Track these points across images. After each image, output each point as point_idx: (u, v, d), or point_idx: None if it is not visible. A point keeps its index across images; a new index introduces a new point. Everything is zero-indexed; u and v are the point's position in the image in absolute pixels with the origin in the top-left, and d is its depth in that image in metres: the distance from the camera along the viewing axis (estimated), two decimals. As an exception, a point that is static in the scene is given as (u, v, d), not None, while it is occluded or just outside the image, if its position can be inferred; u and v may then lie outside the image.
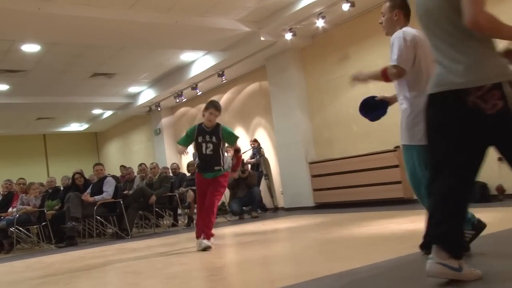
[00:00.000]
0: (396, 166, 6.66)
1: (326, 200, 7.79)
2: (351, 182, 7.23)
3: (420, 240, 2.68)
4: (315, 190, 8.01)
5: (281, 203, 9.05)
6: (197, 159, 4.16)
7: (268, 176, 9.11)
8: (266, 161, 9.26)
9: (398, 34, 2.57)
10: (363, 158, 7.07)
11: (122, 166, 10.79)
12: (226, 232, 6.22)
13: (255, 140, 9.23)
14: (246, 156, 9.38)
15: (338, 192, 7.50)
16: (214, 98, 11.23)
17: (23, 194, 7.27)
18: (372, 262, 2.66)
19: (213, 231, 6.87)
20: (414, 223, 4.24)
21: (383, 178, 6.78)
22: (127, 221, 7.09)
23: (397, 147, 6.80)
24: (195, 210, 8.48)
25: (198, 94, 10.71)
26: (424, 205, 2.51)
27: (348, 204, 7.34)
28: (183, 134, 4.35)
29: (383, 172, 6.75)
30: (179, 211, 8.71)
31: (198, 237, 4.35)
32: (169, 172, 9.39)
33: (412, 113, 2.66)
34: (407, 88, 2.66)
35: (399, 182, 6.63)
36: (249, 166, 9.04)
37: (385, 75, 2.55)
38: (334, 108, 7.85)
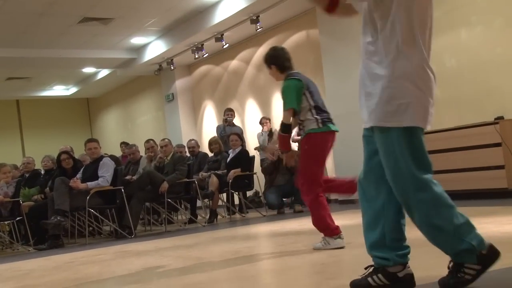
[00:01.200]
0: (498, 144, 6.50)
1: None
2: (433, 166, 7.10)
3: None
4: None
5: (333, 193, 9.02)
6: (317, 112, 4.17)
7: (318, 158, 9.07)
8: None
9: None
10: (450, 133, 6.96)
11: (124, 143, 11.01)
12: (261, 231, 6.26)
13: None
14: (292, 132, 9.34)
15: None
16: (246, 52, 11.23)
17: (-9, 179, 7.46)
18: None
19: (242, 229, 6.92)
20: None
21: (478, 161, 6.66)
22: (130, 215, 7.23)
23: (499, 118, 6.62)
24: (220, 202, 8.64)
25: (224, 47, 10.70)
26: (412, 218, 2.38)
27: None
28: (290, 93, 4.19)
29: (479, 153, 6.62)
30: (199, 203, 8.83)
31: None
32: (186, 152, 9.51)
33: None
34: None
35: (501, 167, 6.48)
36: (295, 144, 9.01)
37: None
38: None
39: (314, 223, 4.29)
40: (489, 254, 2.36)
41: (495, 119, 6.62)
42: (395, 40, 2.29)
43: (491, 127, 6.55)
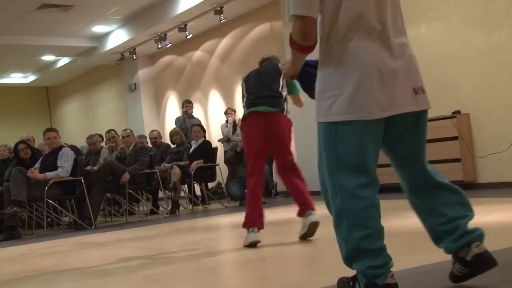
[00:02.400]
0: (455, 138, 6.67)
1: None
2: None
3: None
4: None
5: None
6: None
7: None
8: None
9: None
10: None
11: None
12: (223, 223, 6.30)
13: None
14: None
15: (381, 171, 7.54)
16: (209, 43, 11.21)
17: None
18: (415, 265, 2.69)
19: (204, 220, 6.95)
20: (478, 215, 4.25)
21: (436, 154, 6.79)
22: (90, 206, 7.19)
23: (456, 112, 6.80)
24: (182, 193, 8.64)
25: (187, 37, 10.66)
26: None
27: (388, 188, 7.37)
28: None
29: (437, 147, 6.76)
30: (161, 194, 8.82)
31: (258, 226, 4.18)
32: (148, 143, 9.46)
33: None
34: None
35: (457, 160, 6.67)
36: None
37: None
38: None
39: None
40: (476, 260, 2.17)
41: (452, 113, 6.79)
42: None
43: (448, 121, 6.72)
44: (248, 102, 4.30)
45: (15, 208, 6.65)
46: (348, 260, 2.16)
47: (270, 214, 6.47)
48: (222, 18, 9.48)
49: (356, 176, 2.08)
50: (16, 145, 7.63)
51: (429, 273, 2.61)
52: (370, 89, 2.06)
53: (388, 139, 2.21)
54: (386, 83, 2.09)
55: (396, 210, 5.03)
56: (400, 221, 4.48)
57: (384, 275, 2.09)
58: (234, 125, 9.42)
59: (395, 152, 2.29)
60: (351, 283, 2.25)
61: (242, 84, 4.49)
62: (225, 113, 9.70)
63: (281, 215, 6.30)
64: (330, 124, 2.12)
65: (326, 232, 4.49)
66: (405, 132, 2.21)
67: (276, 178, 9.23)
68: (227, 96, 10.86)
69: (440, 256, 2.68)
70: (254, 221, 4.11)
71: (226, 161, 8.69)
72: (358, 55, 2.08)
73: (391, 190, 7.25)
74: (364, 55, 2.08)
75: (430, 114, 2.37)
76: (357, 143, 2.08)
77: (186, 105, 9.86)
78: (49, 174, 7.03)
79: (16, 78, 15.32)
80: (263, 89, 4.36)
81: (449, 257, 2.32)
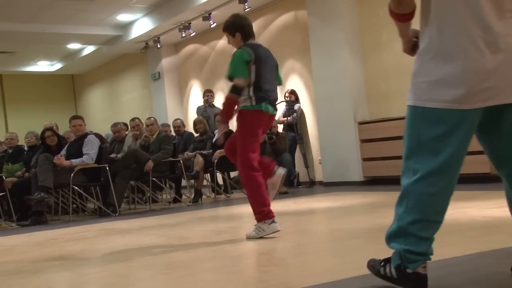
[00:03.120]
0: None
1: (379, 174, 7.87)
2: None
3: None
4: (365, 159, 8.11)
5: (318, 175, 9.12)
6: (254, 90, 4.00)
7: (303, 140, 9.14)
8: (302, 120, 9.26)
9: None
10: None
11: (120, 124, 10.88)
12: (244, 212, 6.31)
13: (292, 92, 9.21)
14: (278, 113, 9.36)
15: (395, 163, 7.35)
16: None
17: (-26, 155, 7.46)
18: (440, 258, 2.66)
19: (226, 209, 6.94)
20: (502, 208, 4.21)
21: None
22: (115, 193, 7.26)
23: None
24: (205, 182, 8.67)
25: (211, 26, 10.65)
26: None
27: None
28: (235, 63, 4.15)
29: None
30: (184, 182, 8.87)
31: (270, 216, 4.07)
32: (171, 131, 9.52)
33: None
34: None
35: (483, 152, 6.56)
36: (280, 126, 9.06)
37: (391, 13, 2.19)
38: (395, 49, 7.72)
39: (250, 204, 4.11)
40: (409, 277, 2.14)
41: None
42: None
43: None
44: (264, 96, 4.05)
45: (42, 194, 6.75)
46: (390, 237, 2.19)
47: (293, 204, 6.48)
48: (246, 7, 9.45)
49: (431, 162, 2.08)
50: (43, 132, 7.73)
51: (457, 266, 2.59)
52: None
53: (486, 131, 2.19)
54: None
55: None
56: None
57: (418, 263, 2.11)
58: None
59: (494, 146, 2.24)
60: (382, 263, 2.27)
61: (250, 60, 4.04)
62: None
63: (303, 205, 6.29)
64: (417, 107, 2.10)
65: (347, 225, 4.48)
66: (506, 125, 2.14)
67: (298, 168, 9.23)
68: (251, 86, 10.84)
69: (466, 249, 2.66)
70: (271, 211, 4.05)
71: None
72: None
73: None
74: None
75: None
76: (444, 130, 2.06)
77: (207, 94, 9.88)
78: (74, 161, 7.11)
79: (43, 66, 15.48)
80: (274, 83, 4.23)
81: (474, 249, 2.29)
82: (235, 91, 4.01)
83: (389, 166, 7.63)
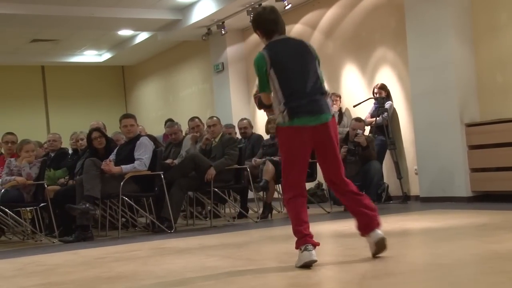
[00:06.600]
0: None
1: (492, 188, 7.76)
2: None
3: None
4: (473, 170, 7.94)
5: (414, 189, 8.94)
6: (283, 101, 3.97)
7: (395, 145, 8.97)
8: (395, 121, 9.10)
9: None
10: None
11: (170, 121, 11.04)
12: (324, 231, 6.26)
13: (383, 87, 9.06)
14: (365, 112, 9.25)
15: (514, 176, 7.29)
16: (312, 15, 11.15)
17: (12, 158, 7.63)
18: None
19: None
20: None
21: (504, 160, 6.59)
22: (170, 206, 7.29)
23: None
24: (276, 194, 8.65)
25: (286, 8, 10.63)
26: None
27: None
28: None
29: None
30: (251, 194, 8.88)
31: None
32: (236, 133, 9.55)
33: None
34: None
35: None
36: (368, 128, 8.94)
37: None
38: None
39: None
40: None
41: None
42: None
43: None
44: (294, 106, 4.06)
45: (87, 205, 6.78)
46: None
47: (384, 223, 6.34)
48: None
49: None
50: (89, 133, 7.77)
51: None
52: None
53: None
54: None
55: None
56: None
57: None
58: (340, 113, 9.34)
59: None
60: None
61: (266, 66, 4.17)
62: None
63: (395, 225, 6.15)
64: None
65: (452, 251, 4.33)
66: None
67: (388, 179, 9.06)
68: (332, 79, 10.71)
69: None
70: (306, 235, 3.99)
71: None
72: None
73: None
74: None
75: None
76: None
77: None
78: (125, 167, 7.12)
79: (90, 56, 15.88)
80: (308, 82, 4.15)
81: None
82: (265, 107, 4.34)
83: (505, 179, 7.46)
